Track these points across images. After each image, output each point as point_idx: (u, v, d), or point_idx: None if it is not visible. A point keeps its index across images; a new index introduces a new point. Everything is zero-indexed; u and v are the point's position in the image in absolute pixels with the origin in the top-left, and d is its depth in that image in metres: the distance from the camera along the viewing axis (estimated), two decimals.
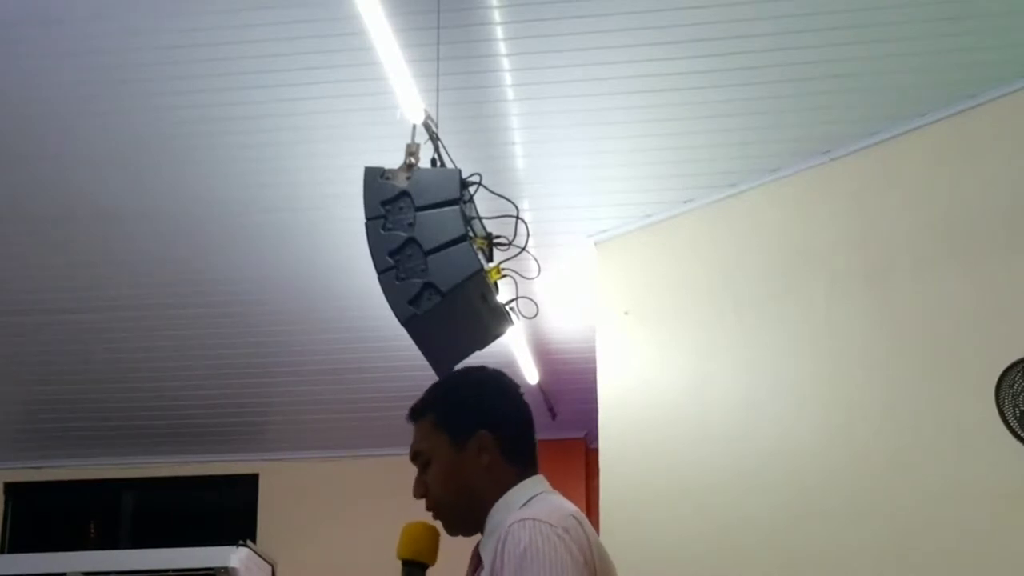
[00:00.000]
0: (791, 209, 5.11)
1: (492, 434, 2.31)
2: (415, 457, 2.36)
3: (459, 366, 3.38)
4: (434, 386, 2.44)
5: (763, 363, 5.02)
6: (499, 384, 2.41)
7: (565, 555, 2.10)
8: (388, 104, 4.05)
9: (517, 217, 3.79)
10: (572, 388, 6.80)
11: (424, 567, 2.30)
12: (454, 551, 2.49)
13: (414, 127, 3.69)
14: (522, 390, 2.43)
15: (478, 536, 2.33)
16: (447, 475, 2.31)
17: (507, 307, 3.74)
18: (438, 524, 2.34)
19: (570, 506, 2.26)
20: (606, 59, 4.44)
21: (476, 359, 3.28)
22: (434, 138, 3.74)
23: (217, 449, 7.76)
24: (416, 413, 2.39)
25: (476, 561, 2.31)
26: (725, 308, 5.17)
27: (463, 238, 3.45)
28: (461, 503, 2.31)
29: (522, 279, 3.90)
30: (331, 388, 7.00)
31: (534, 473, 2.35)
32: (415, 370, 5.03)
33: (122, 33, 4.24)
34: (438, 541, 2.31)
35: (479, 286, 3.51)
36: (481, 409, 2.34)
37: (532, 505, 2.23)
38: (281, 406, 7.32)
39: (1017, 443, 4.24)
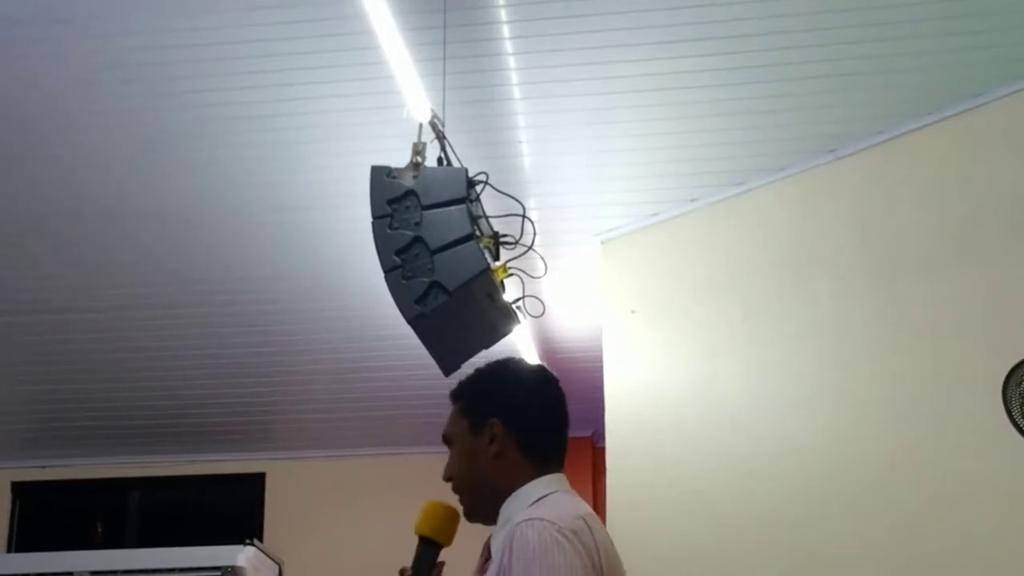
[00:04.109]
0: (797, 208, 5.11)
1: (505, 424, 2.33)
2: (445, 439, 2.43)
3: (466, 364, 3.39)
4: (472, 372, 2.49)
5: (769, 362, 5.02)
6: (523, 377, 2.44)
7: (573, 557, 2.10)
8: (394, 103, 4.05)
9: (524, 216, 3.78)
10: (579, 387, 6.74)
11: (439, 546, 2.33)
12: (468, 545, 2.50)
13: (420, 126, 3.68)
14: (560, 388, 2.44)
15: (492, 528, 2.34)
16: (462, 460, 2.37)
17: (514, 306, 3.73)
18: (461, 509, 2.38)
19: (582, 507, 2.26)
20: (612, 58, 4.43)
21: (482, 358, 3.28)
22: (440, 137, 3.73)
23: (224, 448, 7.78)
24: (453, 396, 2.46)
25: (487, 553, 2.32)
26: (731, 307, 5.17)
27: (470, 237, 3.45)
28: (475, 489, 2.35)
29: (529, 278, 3.88)
30: (337, 387, 6.99)
31: (556, 471, 2.35)
32: (421, 369, 5.04)
33: (126, 33, 4.24)
34: (457, 523, 2.35)
35: (486, 285, 3.50)
36: (497, 398, 2.38)
37: (543, 504, 2.24)
38: (287, 405, 7.32)
39: None
